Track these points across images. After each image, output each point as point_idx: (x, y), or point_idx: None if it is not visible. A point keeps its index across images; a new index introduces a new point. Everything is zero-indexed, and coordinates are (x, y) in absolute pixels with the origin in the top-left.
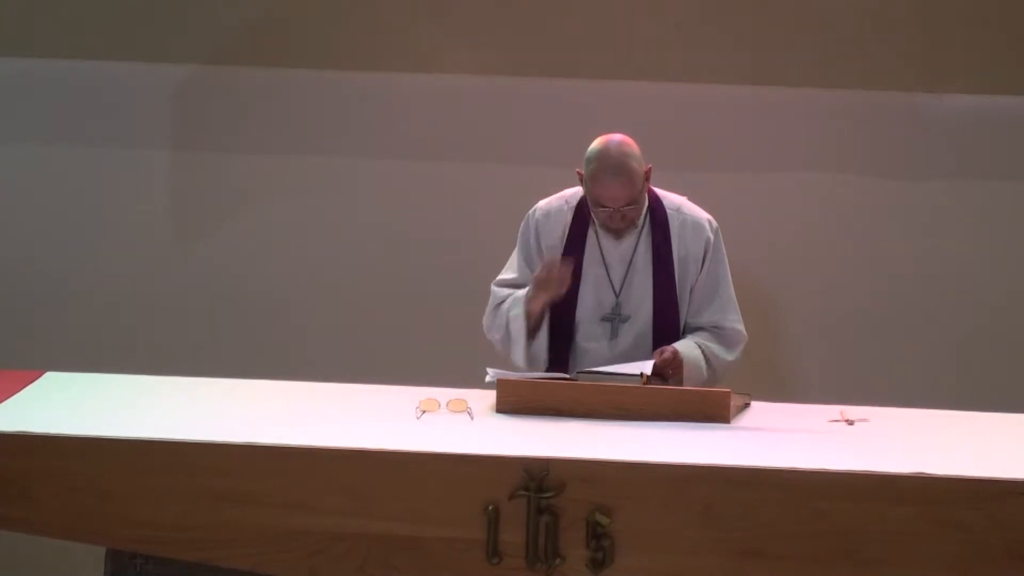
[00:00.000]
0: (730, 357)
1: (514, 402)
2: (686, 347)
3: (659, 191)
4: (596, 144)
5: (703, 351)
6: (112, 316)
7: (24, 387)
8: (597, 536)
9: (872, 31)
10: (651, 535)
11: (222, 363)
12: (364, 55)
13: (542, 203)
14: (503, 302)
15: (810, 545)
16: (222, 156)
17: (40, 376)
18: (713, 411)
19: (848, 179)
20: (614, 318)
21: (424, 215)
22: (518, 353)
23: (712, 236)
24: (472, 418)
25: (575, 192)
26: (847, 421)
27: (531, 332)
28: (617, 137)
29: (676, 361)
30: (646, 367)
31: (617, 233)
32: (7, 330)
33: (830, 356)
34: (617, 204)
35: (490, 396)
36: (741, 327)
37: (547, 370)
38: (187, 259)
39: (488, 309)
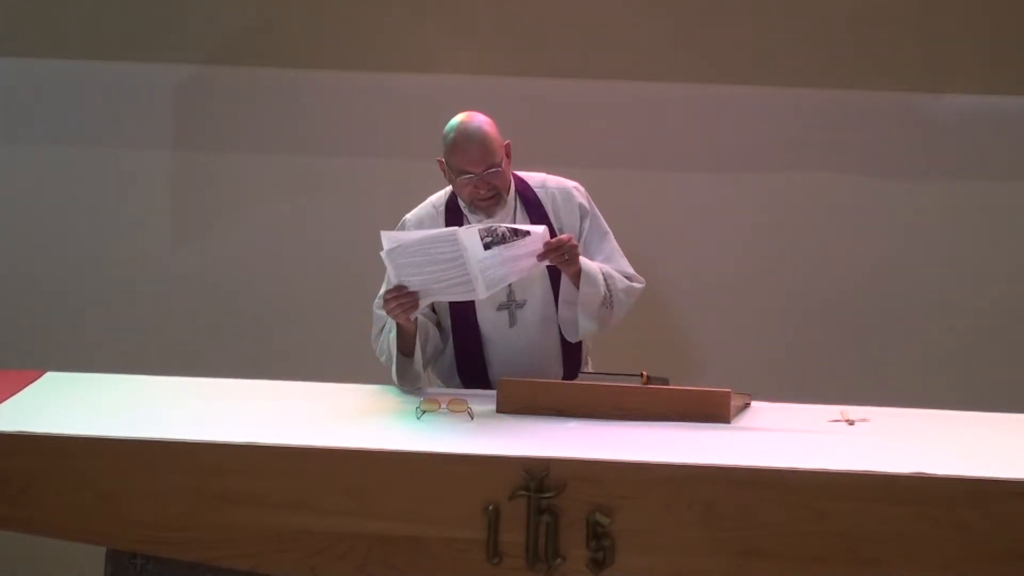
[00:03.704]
0: (629, 283)
1: (514, 402)
2: (588, 261)
3: (519, 172)
4: (451, 121)
5: (602, 269)
6: (112, 316)
7: (24, 387)
8: (597, 536)
9: (872, 31)
10: (651, 535)
11: (222, 363)
12: (364, 55)
13: (410, 215)
14: (384, 325)
15: (810, 545)
16: (222, 156)
17: (40, 376)
18: (713, 411)
19: (848, 179)
20: (510, 304)
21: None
22: (399, 374)
23: (583, 201)
24: (472, 418)
25: (440, 195)
26: (847, 421)
27: (405, 350)
28: (470, 112)
29: (571, 244)
30: (538, 230)
31: (487, 210)
32: (7, 330)
33: (830, 356)
34: (479, 168)
35: (490, 396)
36: (633, 272)
37: (460, 366)
38: (187, 259)
39: (373, 332)
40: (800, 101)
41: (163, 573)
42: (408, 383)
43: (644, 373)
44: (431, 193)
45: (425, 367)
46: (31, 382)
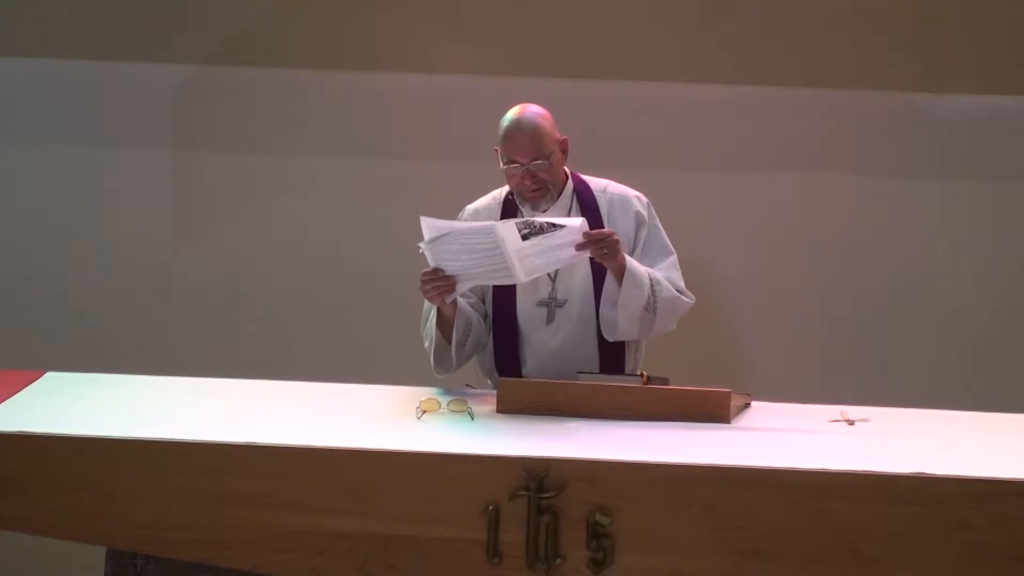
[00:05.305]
0: (677, 295)
1: (514, 402)
2: (636, 264)
3: (585, 176)
4: (508, 112)
5: (650, 274)
6: (112, 316)
7: (24, 387)
8: (597, 536)
9: (872, 31)
10: (651, 535)
11: (222, 363)
12: (364, 55)
13: (470, 205)
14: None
15: (810, 545)
16: (222, 156)
17: (40, 376)
18: (713, 411)
19: (848, 179)
20: (550, 303)
21: (424, 215)
22: (435, 358)
23: (643, 210)
24: (472, 418)
25: (501, 189)
26: (847, 421)
27: (446, 333)
28: (528, 104)
29: (612, 239)
30: (575, 223)
31: (533, 202)
32: (7, 330)
33: (830, 356)
34: (525, 159)
35: (490, 396)
36: (684, 288)
37: (497, 360)
38: (187, 259)
39: (422, 319)
40: (800, 101)
41: (163, 573)
42: (442, 369)
43: (644, 373)
44: (432, 194)
45: (463, 357)
46: (31, 382)
